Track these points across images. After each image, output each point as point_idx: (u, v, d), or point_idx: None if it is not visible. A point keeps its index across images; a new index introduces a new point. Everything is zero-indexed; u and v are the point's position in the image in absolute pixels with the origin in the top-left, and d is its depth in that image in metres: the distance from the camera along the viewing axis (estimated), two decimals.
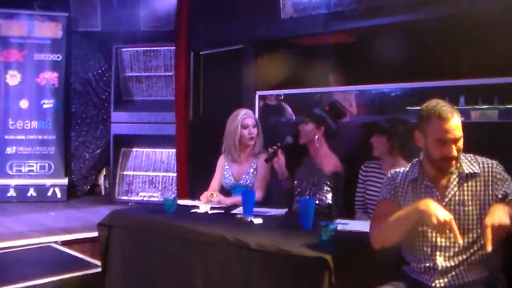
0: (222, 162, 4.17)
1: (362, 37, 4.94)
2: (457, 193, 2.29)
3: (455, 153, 2.22)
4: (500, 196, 2.24)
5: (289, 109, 5.86)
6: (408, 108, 5.12)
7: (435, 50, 4.82)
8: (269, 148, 3.77)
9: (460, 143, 2.25)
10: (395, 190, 2.42)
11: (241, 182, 4.03)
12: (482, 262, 2.27)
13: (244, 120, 4.02)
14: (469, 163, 2.31)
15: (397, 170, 2.50)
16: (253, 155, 4.05)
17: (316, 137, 3.69)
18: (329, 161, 3.68)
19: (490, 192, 2.26)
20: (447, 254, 2.29)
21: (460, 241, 2.09)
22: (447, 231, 2.08)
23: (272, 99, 5.54)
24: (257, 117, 5.04)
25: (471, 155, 2.35)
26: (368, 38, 4.85)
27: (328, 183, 3.59)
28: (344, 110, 4.11)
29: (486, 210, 2.21)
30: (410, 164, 2.47)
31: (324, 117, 3.74)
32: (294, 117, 5.81)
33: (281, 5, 4.73)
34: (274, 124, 5.38)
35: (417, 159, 2.45)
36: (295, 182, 3.79)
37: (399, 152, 3.32)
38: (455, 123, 2.21)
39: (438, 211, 2.07)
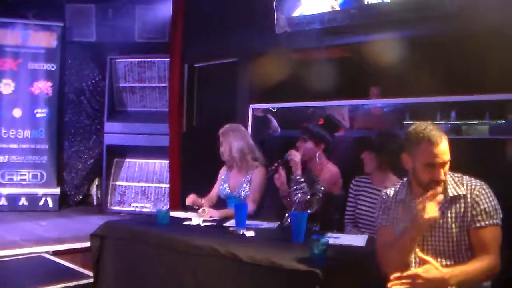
0: (222, 172, 4.21)
1: (355, 52, 4.99)
2: (440, 216, 2.26)
3: (443, 177, 2.25)
4: (471, 218, 2.26)
5: (274, 122, 5.90)
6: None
7: (427, 65, 4.87)
8: (269, 167, 3.75)
9: (447, 166, 2.27)
10: (388, 214, 2.44)
11: (235, 193, 4.05)
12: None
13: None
14: (455, 185, 2.32)
15: (387, 191, 2.52)
16: (250, 168, 4.06)
17: (317, 154, 3.72)
18: (330, 168, 3.71)
19: (469, 214, 2.27)
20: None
21: (422, 270, 2.11)
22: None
23: (259, 111, 5.57)
24: (249, 130, 5.09)
25: (459, 174, 2.36)
26: (361, 53, 4.90)
27: (321, 195, 3.59)
28: (339, 123, 4.15)
29: (466, 232, 2.24)
30: (400, 183, 2.49)
31: (323, 134, 3.77)
32: (279, 130, 5.84)
33: (275, 20, 4.78)
34: (268, 137, 5.42)
35: (406, 179, 2.47)
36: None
37: (389, 168, 3.35)
38: (443, 148, 2.22)
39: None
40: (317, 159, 3.74)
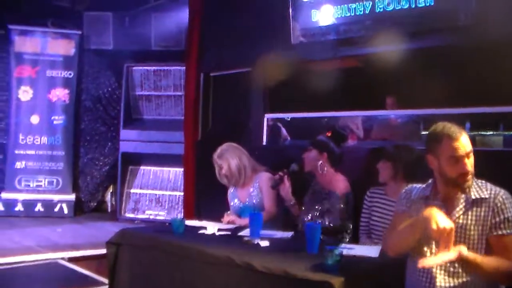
0: (229, 192, 4.26)
1: (370, 62, 5.01)
2: (461, 216, 2.33)
3: (469, 167, 2.30)
4: (492, 224, 2.29)
5: (284, 131, 5.93)
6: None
7: (441, 76, 4.88)
8: (274, 176, 3.81)
9: (472, 158, 2.32)
10: (410, 204, 2.49)
11: (247, 202, 4.09)
12: (480, 286, 2.31)
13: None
14: (478, 188, 2.35)
15: (413, 185, 2.56)
16: (253, 177, 4.12)
17: (320, 163, 3.74)
18: (338, 184, 3.72)
19: (491, 218, 2.30)
20: (446, 271, 2.33)
21: (452, 254, 2.14)
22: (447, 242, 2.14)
23: (269, 121, 5.61)
24: (264, 139, 5.13)
25: (483, 181, 2.39)
26: (376, 63, 4.92)
27: (342, 205, 3.62)
28: (345, 133, 4.17)
29: (486, 236, 2.28)
30: (426, 184, 2.52)
31: (326, 143, 3.80)
32: (289, 138, 5.87)
33: (291, 30, 4.80)
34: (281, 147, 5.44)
35: (432, 179, 2.50)
36: (303, 208, 3.82)
37: (404, 178, 3.36)
38: (464, 140, 2.30)
39: (439, 218, 2.15)
40: (318, 168, 3.75)
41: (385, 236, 2.53)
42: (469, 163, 2.31)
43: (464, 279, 2.32)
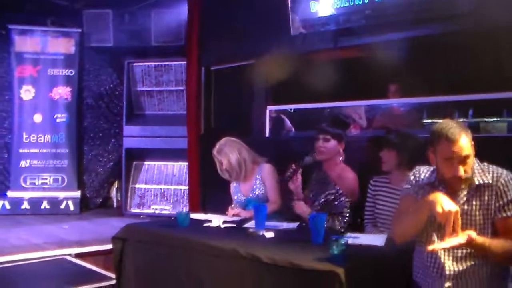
0: (232, 186, 4.27)
1: (370, 52, 5.00)
2: (466, 203, 2.34)
3: (461, 173, 2.28)
4: (496, 207, 2.31)
5: (288, 122, 5.93)
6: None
7: (443, 65, 4.86)
8: (286, 171, 3.74)
9: (469, 161, 2.31)
10: (418, 188, 2.49)
11: (251, 196, 4.10)
12: (488, 269, 2.33)
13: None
14: (482, 173, 2.36)
15: (421, 168, 2.56)
16: (254, 170, 4.13)
17: (340, 151, 3.75)
18: (348, 181, 3.72)
19: (495, 202, 2.32)
20: (454, 257, 2.35)
21: (462, 238, 2.16)
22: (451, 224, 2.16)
23: (272, 112, 5.61)
24: (267, 131, 5.13)
25: (486, 164, 2.40)
26: (376, 53, 4.91)
27: (348, 209, 3.65)
28: (347, 121, 4.17)
29: (492, 220, 2.30)
30: (432, 168, 2.52)
31: (344, 133, 3.80)
32: (293, 130, 5.87)
33: (290, 22, 4.79)
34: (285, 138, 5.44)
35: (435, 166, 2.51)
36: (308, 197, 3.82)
37: (408, 167, 3.35)
38: (462, 144, 2.27)
39: (444, 201, 2.18)
40: (341, 158, 3.76)
41: (393, 222, 2.55)
42: (465, 168, 2.30)
43: (472, 263, 2.34)
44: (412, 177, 2.55)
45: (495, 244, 2.23)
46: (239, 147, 4.12)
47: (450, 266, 2.36)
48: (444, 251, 2.35)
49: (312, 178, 3.90)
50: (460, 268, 2.35)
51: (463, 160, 2.29)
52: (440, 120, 2.42)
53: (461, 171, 2.29)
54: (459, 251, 2.34)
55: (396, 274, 2.62)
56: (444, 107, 5.19)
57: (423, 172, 2.53)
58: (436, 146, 2.35)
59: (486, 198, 2.33)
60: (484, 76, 4.40)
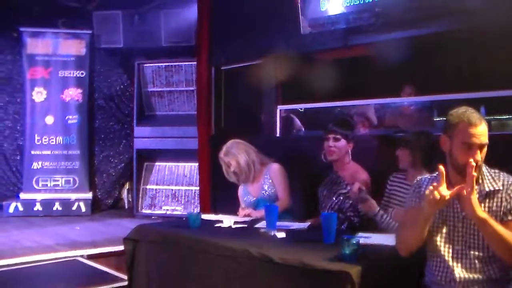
0: (240, 190, 4.25)
1: (381, 50, 4.98)
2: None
3: (479, 157, 2.25)
4: (505, 211, 2.28)
5: (297, 121, 5.92)
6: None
7: (454, 62, 4.84)
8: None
9: (484, 151, 2.28)
10: (420, 199, 2.44)
11: (260, 196, 4.09)
12: (500, 276, 2.30)
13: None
14: (492, 180, 2.33)
15: (423, 177, 2.54)
16: (263, 171, 4.12)
17: (349, 151, 3.74)
18: (361, 176, 3.69)
19: (504, 207, 2.28)
20: (464, 265, 2.32)
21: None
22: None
23: (282, 112, 5.59)
24: (278, 131, 5.12)
25: (496, 170, 2.37)
26: (387, 51, 4.89)
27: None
28: (352, 122, 4.15)
29: (500, 223, 2.25)
30: (437, 172, 2.50)
31: (353, 133, 3.79)
32: (303, 129, 5.85)
33: (300, 21, 4.77)
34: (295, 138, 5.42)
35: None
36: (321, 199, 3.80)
37: (422, 165, 3.34)
38: (482, 129, 2.26)
39: (435, 189, 2.20)
40: (349, 157, 3.74)
41: (398, 233, 2.49)
42: (481, 154, 2.27)
43: (481, 268, 2.30)
44: (413, 189, 2.53)
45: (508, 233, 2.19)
46: (247, 149, 4.11)
47: (459, 273, 2.32)
48: (453, 259, 2.33)
49: (325, 180, 3.87)
50: (471, 276, 2.31)
51: (482, 146, 2.26)
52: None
53: (479, 155, 2.26)
54: (468, 259, 2.31)
55: (408, 274, 2.60)
56: (455, 105, 5.15)
57: (425, 181, 2.49)
58: (454, 130, 2.31)
59: (495, 205, 2.30)
60: (495, 73, 4.36)
